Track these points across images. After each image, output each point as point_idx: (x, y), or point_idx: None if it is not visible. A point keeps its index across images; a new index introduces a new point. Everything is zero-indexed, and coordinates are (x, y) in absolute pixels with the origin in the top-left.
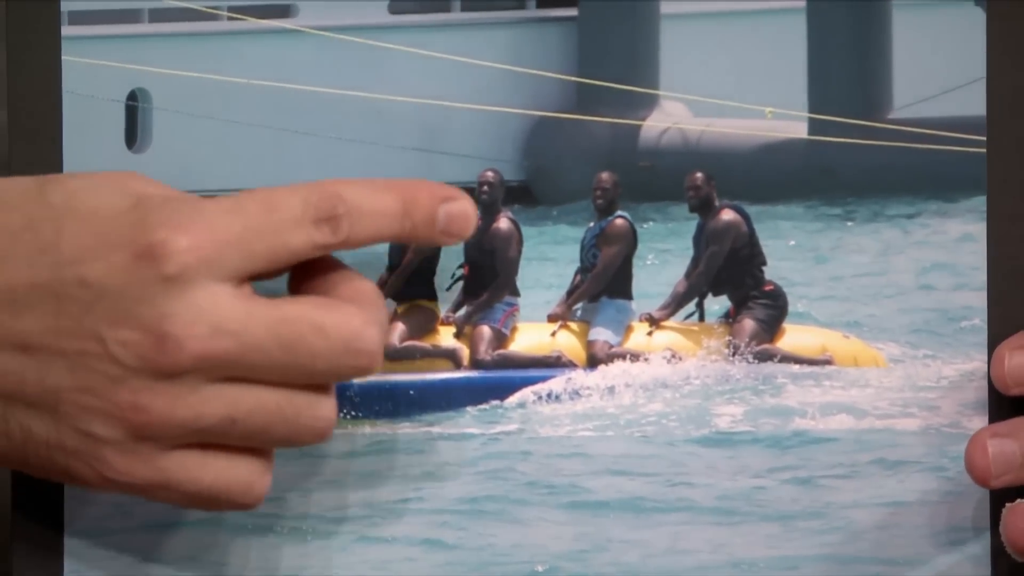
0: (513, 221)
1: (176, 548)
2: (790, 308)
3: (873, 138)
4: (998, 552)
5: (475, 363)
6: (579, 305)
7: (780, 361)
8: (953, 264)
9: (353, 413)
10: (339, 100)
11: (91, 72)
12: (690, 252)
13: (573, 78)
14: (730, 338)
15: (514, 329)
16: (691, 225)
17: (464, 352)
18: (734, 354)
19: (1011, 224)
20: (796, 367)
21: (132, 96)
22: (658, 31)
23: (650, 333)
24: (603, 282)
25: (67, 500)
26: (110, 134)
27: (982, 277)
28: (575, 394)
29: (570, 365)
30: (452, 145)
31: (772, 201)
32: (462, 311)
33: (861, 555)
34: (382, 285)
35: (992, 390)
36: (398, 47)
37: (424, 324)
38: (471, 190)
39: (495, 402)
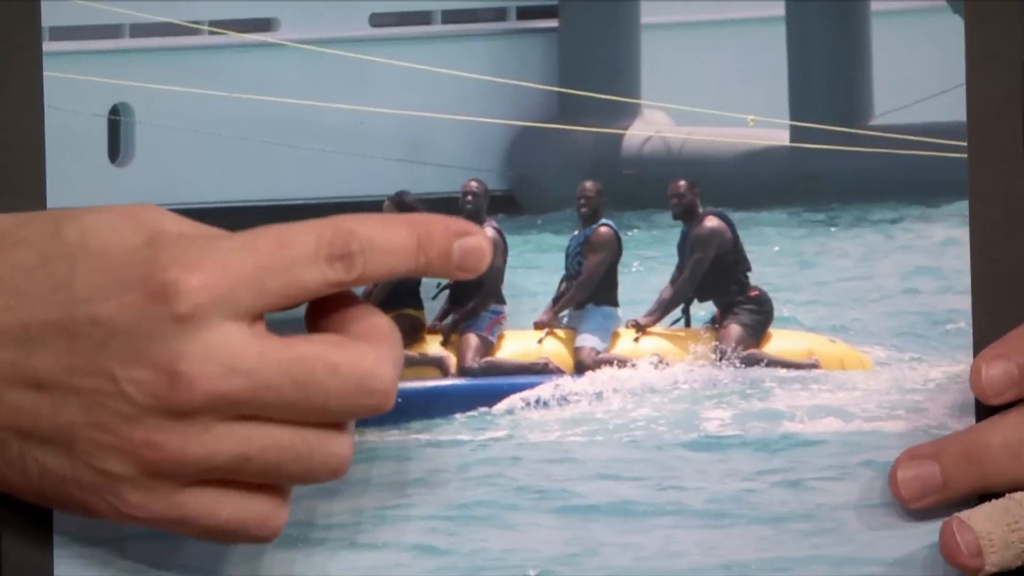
0: (498, 230)
1: (166, 556)
2: (776, 313)
3: (855, 144)
4: None
5: (462, 371)
6: (565, 312)
7: (767, 365)
8: (937, 268)
9: None
10: (321, 113)
11: (73, 87)
12: (675, 259)
13: (555, 88)
14: (717, 343)
15: (501, 337)
16: (675, 232)
17: (451, 360)
18: (721, 359)
19: (993, 228)
20: (783, 371)
21: (114, 110)
22: (639, 41)
23: (637, 339)
24: (588, 289)
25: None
26: (93, 149)
27: (966, 280)
28: (563, 400)
29: (557, 372)
30: (436, 156)
31: (756, 208)
32: (448, 319)
33: (851, 556)
34: (368, 295)
35: None
36: (380, 59)
37: (411, 333)
38: (455, 200)
39: (483, 409)
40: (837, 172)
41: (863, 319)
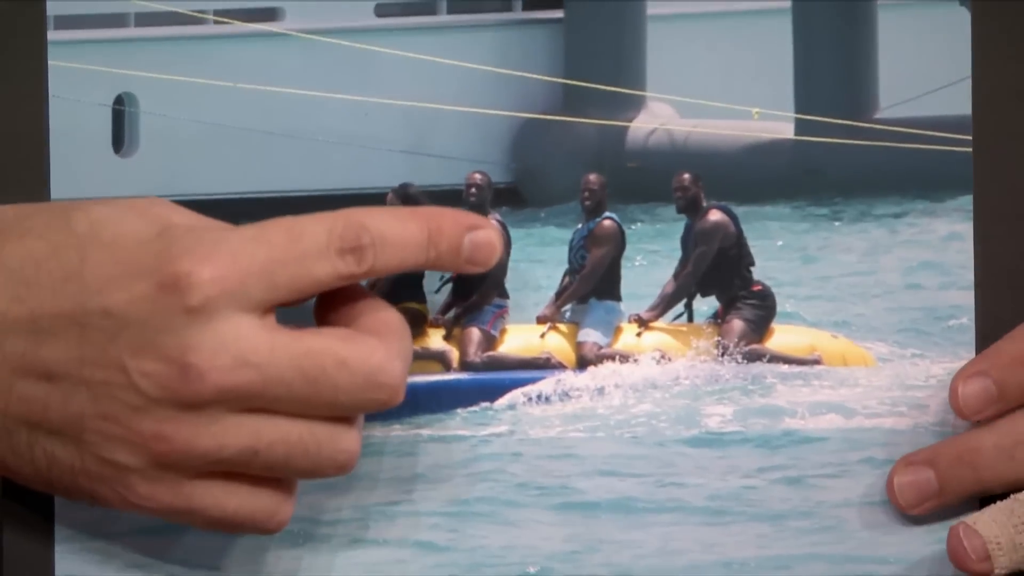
0: (501, 223)
1: (167, 552)
2: (778, 308)
3: (859, 138)
4: None
5: (465, 365)
6: (568, 307)
7: (769, 361)
8: (940, 263)
9: None
10: (326, 103)
11: (77, 76)
12: (678, 253)
13: (560, 80)
14: (719, 338)
15: (503, 331)
16: (679, 226)
17: (453, 354)
18: (723, 354)
19: (997, 223)
20: (785, 367)
21: (119, 100)
22: (645, 32)
23: (639, 334)
24: (591, 283)
25: (58, 505)
26: (97, 138)
27: (969, 276)
28: (565, 395)
29: (559, 366)
30: (439, 147)
31: (759, 201)
32: (451, 313)
33: (851, 554)
34: (371, 288)
35: None
36: (385, 50)
37: (413, 327)
38: (459, 192)
39: (485, 404)
40: (841, 166)
41: (866, 314)
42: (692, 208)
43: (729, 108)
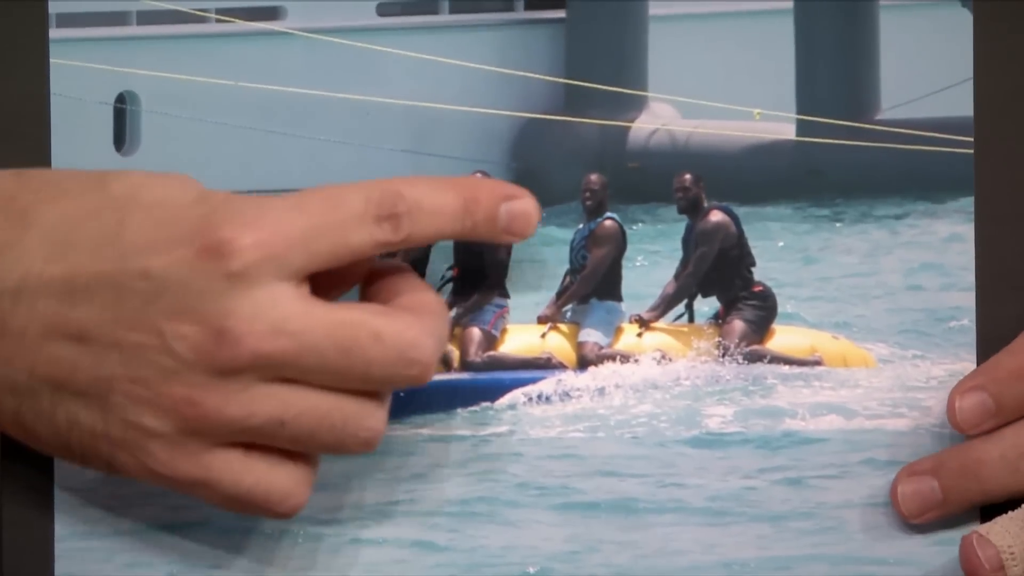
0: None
1: (166, 551)
2: (779, 309)
3: (861, 139)
4: None
5: (465, 365)
6: (569, 307)
7: (770, 362)
8: (941, 264)
9: None
10: (328, 102)
11: (79, 75)
12: (679, 253)
13: (561, 80)
14: (720, 339)
15: (504, 331)
16: (680, 226)
17: (454, 354)
18: (724, 355)
19: (998, 224)
20: (786, 368)
21: (120, 99)
22: (646, 33)
23: (640, 334)
24: (592, 283)
25: (57, 503)
26: (98, 137)
27: (970, 277)
28: (565, 395)
29: (560, 367)
30: (441, 147)
31: (760, 202)
32: (452, 313)
33: (852, 555)
34: None
35: None
36: (386, 49)
37: None
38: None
39: (485, 404)
40: (842, 167)
41: (866, 316)
42: (693, 209)
43: (731, 109)
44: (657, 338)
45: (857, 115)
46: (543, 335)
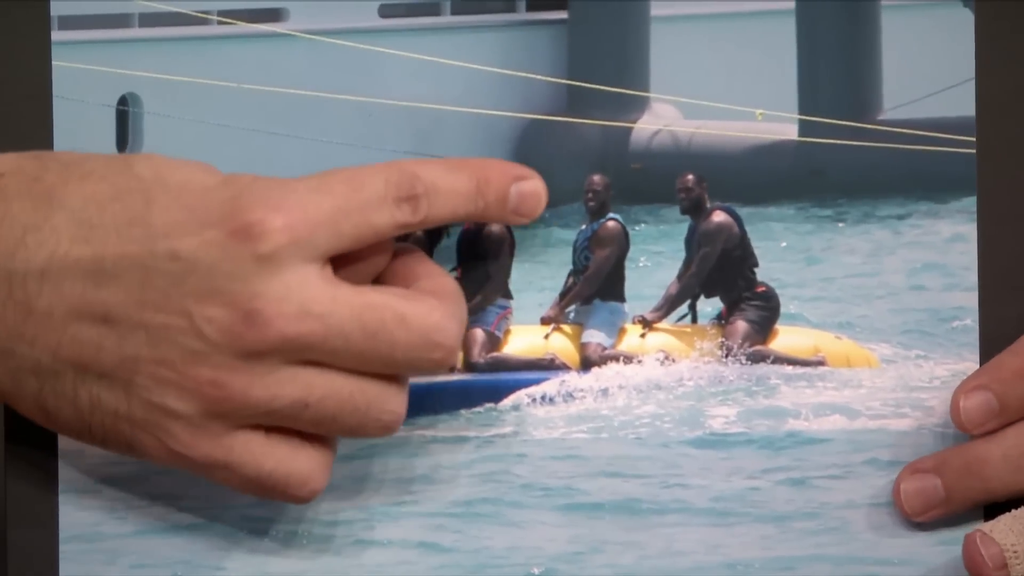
0: (505, 224)
1: (171, 552)
2: (782, 309)
3: (863, 139)
4: None
5: (468, 366)
6: (572, 308)
7: (773, 362)
8: (944, 264)
9: None
10: (330, 104)
11: (81, 77)
12: (682, 254)
13: (564, 80)
14: (723, 340)
15: (507, 332)
16: (683, 227)
17: (457, 355)
18: (727, 355)
19: (1001, 224)
20: (789, 368)
21: (123, 101)
22: (648, 33)
23: (643, 335)
24: (595, 284)
25: (62, 503)
26: (101, 139)
27: (973, 277)
28: (569, 396)
29: (564, 367)
30: (443, 148)
31: (763, 203)
32: None
33: (856, 555)
34: None
35: None
36: (389, 50)
37: None
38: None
39: (489, 405)
40: (845, 167)
41: (869, 316)
42: (696, 209)
43: (733, 109)
44: (660, 339)
45: (859, 115)
46: (546, 336)
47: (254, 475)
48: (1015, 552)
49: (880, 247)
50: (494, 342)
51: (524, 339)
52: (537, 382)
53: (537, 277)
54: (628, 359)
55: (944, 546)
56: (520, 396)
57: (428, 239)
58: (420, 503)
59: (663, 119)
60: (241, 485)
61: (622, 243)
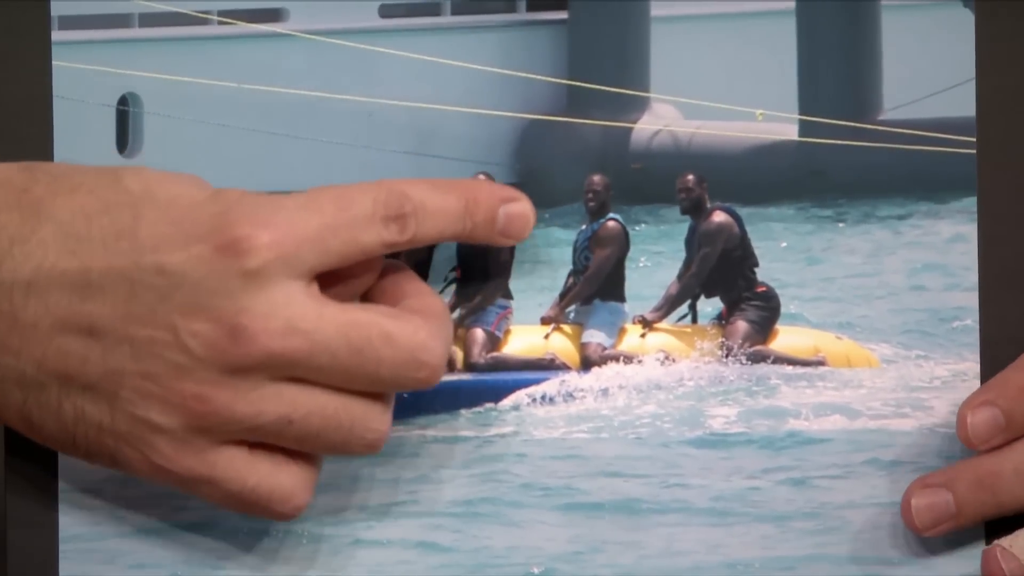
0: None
1: (170, 552)
2: (782, 309)
3: (863, 140)
4: None
5: (469, 366)
6: (572, 308)
7: (773, 362)
8: (944, 265)
9: None
10: (330, 104)
11: (81, 77)
12: (682, 254)
13: (564, 81)
14: (723, 340)
15: (507, 332)
16: (683, 227)
17: (457, 355)
18: (727, 355)
19: (1001, 224)
20: (789, 368)
21: (123, 100)
22: (648, 33)
23: (643, 335)
24: (595, 284)
25: (62, 503)
26: (101, 139)
27: (973, 277)
28: (569, 396)
29: (564, 367)
30: (444, 148)
31: (763, 203)
32: (455, 314)
33: (856, 555)
34: None
35: None
36: (389, 51)
37: None
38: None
39: (489, 405)
40: (845, 167)
41: (870, 316)
42: (696, 209)
43: (733, 109)
44: (660, 339)
45: (859, 116)
46: (547, 336)
47: (237, 490)
48: None
49: (880, 247)
50: (494, 342)
51: (524, 339)
52: (537, 382)
53: (537, 277)
54: (628, 359)
55: (944, 546)
56: (520, 396)
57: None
58: (420, 503)
59: (663, 119)
60: (224, 500)
61: (622, 243)
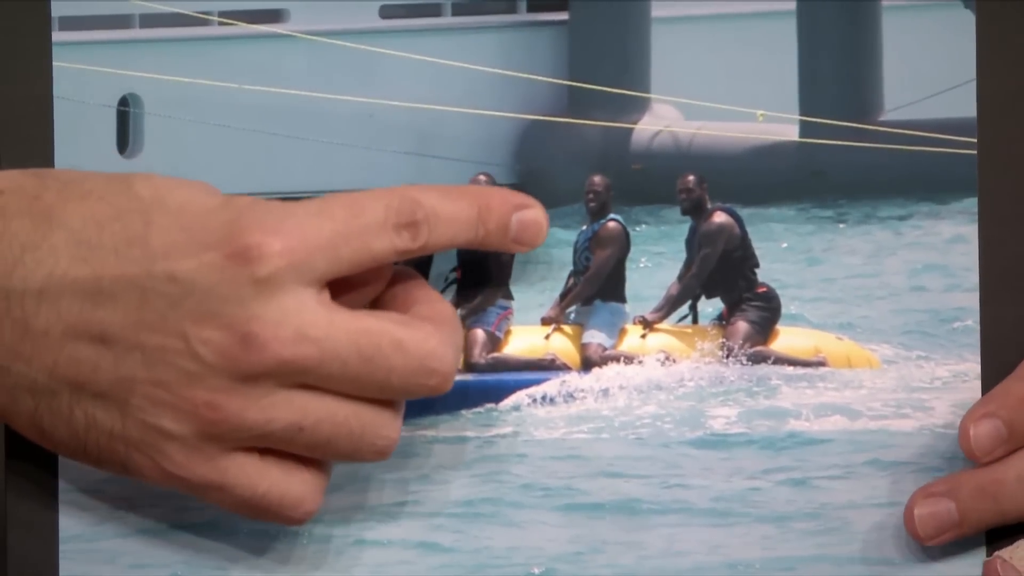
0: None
1: (171, 552)
2: (783, 310)
3: (864, 140)
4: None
5: (469, 366)
6: (573, 308)
7: (774, 363)
8: (945, 265)
9: None
10: (331, 105)
11: (82, 77)
12: (683, 255)
13: (564, 81)
14: (724, 340)
15: (508, 332)
16: (683, 228)
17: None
18: (728, 356)
19: (1002, 225)
20: (790, 369)
21: (123, 101)
22: (649, 34)
23: (644, 336)
24: (596, 285)
25: (63, 503)
26: (101, 140)
27: (974, 278)
28: (569, 397)
29: (564, 368)
30: (444, 149)
31: (764, 203)
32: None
33: (856, 556)
34: None
35: (985, 391)
36: (389, 51)
37: None
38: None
39: (490, 405)
40: (846, 168)
41: (870, 316)
42: (697, 210)
43: (734, 110)
44: (661, 339)
45: (860, 116)
46: (547, 336)
47: (248, 497)
48: None
49: (881, 248)
50: (495, 342)
51: (525, 339)
52: (538, 382)
53: (538, 278)
54: (629, 360)
55: (945, 547)
56: (521, 396)
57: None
58: (421, 503)
59: (664, 120)
60: (235, 506)
61: (623, 244)
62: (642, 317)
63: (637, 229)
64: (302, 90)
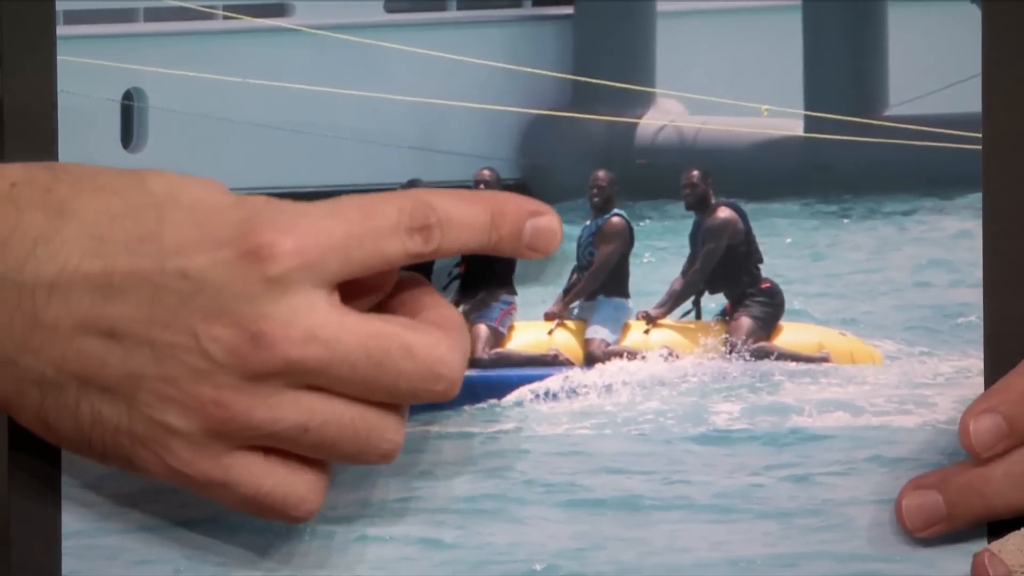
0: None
1: (174, 548)
2: (787, 306)
3: (869, 135)
4: None
5: (472, 362)
6: (576, 303)
7: (777, 359)
8: (949, 261)
9: None
10: (335, 99)
11: (86, 71)
12: (686, 250)
13: (569, 76)
14: (727, 336)
15: (511, 328)
16: (687, 223)
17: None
18: (731, 352)
19: (1007, 221)
20: (793, 364)
21: (128, 95)
22: (654, 29)
23: (647, 331)
24: (599, 280)
25: (65, 500)
26: (106, 134)
27: (978, 274)
28: (572, 392)
29: (567, 363)
30: (448, 143)
31: (768, 198)
32: (459, 310)
33: (858, 552)
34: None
35: (988, 387)
36: (394, 46)
37: None
38: (467, 188)
39: (492, 401)
40: (850, 163)
41: (874, 312)
42: (701, 205)
43: (738, 105)
44: (664, 335)
45: (865, 111)
46: (550, 332)
47: (252, 494)
48: (1023, 572)
49: (885, 243)
50: (498, 338)
51: (528, 335)
52: (540, 378)
53: (541, 273)
54: (632, 355)
55: (946, 544)
56: (523, 392)
57: None
58: (423, 499)
59: (668, 115)
60: (238, 504)
61: (626, 239)
62: (645, 312)
63: (641, 224)
64: (306, 84)
